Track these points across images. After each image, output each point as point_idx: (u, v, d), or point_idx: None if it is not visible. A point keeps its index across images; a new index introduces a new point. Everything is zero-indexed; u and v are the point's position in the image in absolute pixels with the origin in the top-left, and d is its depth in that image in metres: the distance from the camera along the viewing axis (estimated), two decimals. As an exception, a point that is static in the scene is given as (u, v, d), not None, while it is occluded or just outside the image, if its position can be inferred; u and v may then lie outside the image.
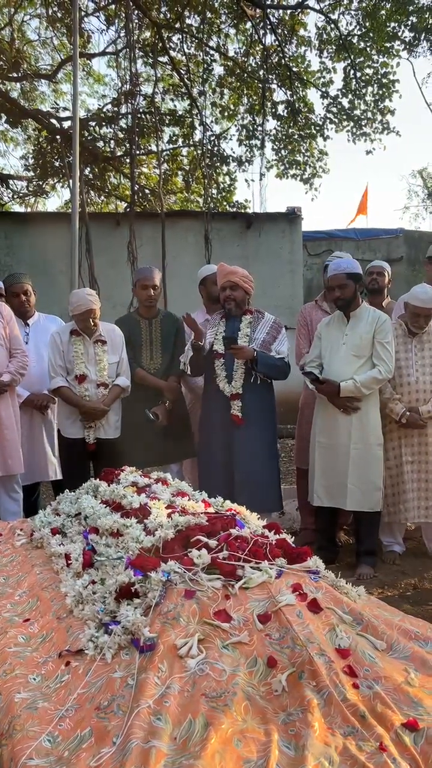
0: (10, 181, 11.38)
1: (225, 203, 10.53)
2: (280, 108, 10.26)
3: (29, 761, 1.45)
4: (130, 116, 9.40)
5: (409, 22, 9.28)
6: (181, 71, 9.93)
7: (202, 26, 9.85)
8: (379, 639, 1.87)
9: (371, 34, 9.42)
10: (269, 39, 9.91)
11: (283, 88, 10.12)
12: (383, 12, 9.33)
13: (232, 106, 10.71)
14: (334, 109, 10.13)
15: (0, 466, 3.92)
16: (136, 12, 9.04)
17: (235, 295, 3.97)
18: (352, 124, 10.07)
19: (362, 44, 9.74)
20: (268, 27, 9.71)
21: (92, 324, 4.00)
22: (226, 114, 10.74)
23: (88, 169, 9.88)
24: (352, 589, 2.09)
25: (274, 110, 10.26)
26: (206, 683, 1.62)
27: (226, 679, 1.64)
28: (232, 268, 4.00)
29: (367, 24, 9.41)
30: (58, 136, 9.74)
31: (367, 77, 9.81)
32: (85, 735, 1.52)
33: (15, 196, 11.56)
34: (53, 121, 10.02)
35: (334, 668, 1.68)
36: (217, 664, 1.67)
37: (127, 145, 9.53)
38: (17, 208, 11.76)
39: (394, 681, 1.70)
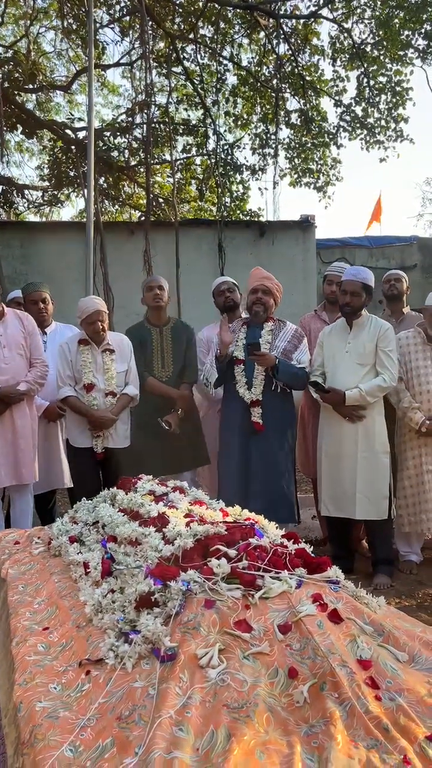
0: (26, 191, 11.48)
1: (238, 212, 10.55)
2: (294, 117, 10.31)
3: (52, 771, 1.45)
4: (144, 126, 9.46)
5: (423, 31, 9.30)
6: (195, 81, 10.00)
7: (215, 36, 9.94)
8: (401, 650, 1.85)
9: (385, 43, 9.45)
10: (282, 48, 9.99)
11: (296, 97, 10.17)
12: (397, 20, 9.35)
13: (245, 115, 10.76)
14: (348, 118, 10.18)
15: (13, 475, 3.94)
16: (150, 23, 9.12)
17: (265, 300, 3.99)
18: (365, 132, 10.10)
19: (375, 53, 9.77)
20: (281, 36, 9.77)
21: (100, 328, 3.98)
22: (239, 123, 10.79)
23: (103, 178, 9.95)
24: (373, 599, 2.07)
25: (287, 119, 10.30)
26: (227, 694, 1.61)
27: (248, 690, 1.63)
28: (267, 274, 4.06)
29: (381, 33, 9.44)
30: (72, 147, 9.83)
31: (381, 85, 9.84)
32: (107, 745, 1.51)
33: (30, 206, 11.66)
34: (68, 131, 10.12)
35: (356, 680, 1.67)
36: (238, 675, 1.66)
37: (141, 154, 9.59)
38: (32, 217, 11.86)
39: (417, 693, 1.67)
